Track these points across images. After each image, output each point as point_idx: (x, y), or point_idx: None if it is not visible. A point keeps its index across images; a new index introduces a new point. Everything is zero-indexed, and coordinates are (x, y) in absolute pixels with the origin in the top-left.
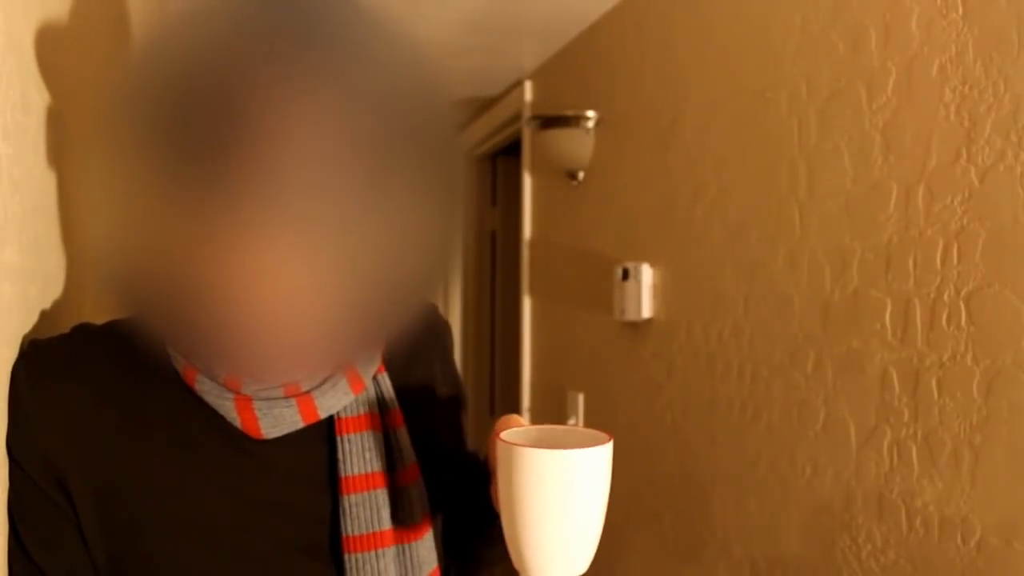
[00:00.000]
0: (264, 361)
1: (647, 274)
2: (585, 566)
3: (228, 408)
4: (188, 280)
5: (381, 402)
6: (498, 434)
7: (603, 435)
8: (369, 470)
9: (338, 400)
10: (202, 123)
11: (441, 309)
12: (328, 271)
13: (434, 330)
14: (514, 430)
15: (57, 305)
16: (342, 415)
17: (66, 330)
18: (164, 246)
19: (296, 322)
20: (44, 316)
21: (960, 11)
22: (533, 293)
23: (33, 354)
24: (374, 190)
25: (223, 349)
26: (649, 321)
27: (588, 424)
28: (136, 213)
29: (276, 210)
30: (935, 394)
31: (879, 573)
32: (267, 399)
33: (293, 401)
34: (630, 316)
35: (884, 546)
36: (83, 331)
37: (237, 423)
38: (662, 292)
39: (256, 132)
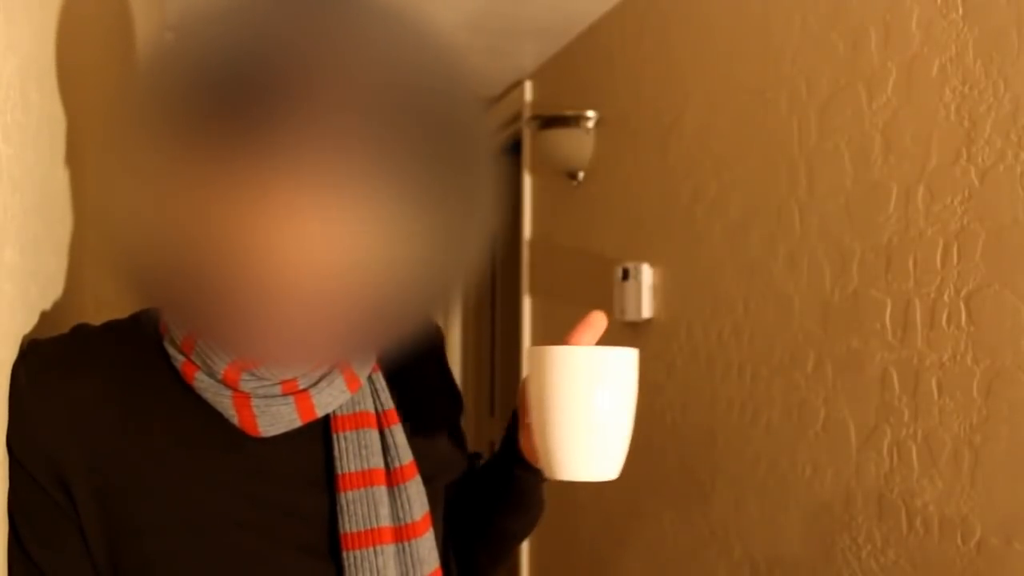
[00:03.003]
0: (281, 341)
1: (647, 274)
2: (612, 472)
3: (226, 405)
4: (211, 260)
5: (376, 401)
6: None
7: (630, 348)
8: (365, 467)
9: (335, 398)
10: (234, 103)
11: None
12: (353, 252)
13: (428, 334)
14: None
15: (57, 305)
16: (338, 413)
17: (66, 330)
18: (192, 227)
19: (317, 300)
20: (44, 316)
21: (960, 11)
22: (533, 293)
23: (33, 354)
24: (402, 173)
25: (241, 327)
26: (649, 321)
27: None
28: (156, 196)
29: (308, 188)
30: (935, 394)
31: (879, 573)
32: (265, 396)
33: (291, 399)
34: (630, 316)
35: (884, 546)
36: (82, 331)
37: (235, 420)
38: (662, 292)
39: (289, 111)
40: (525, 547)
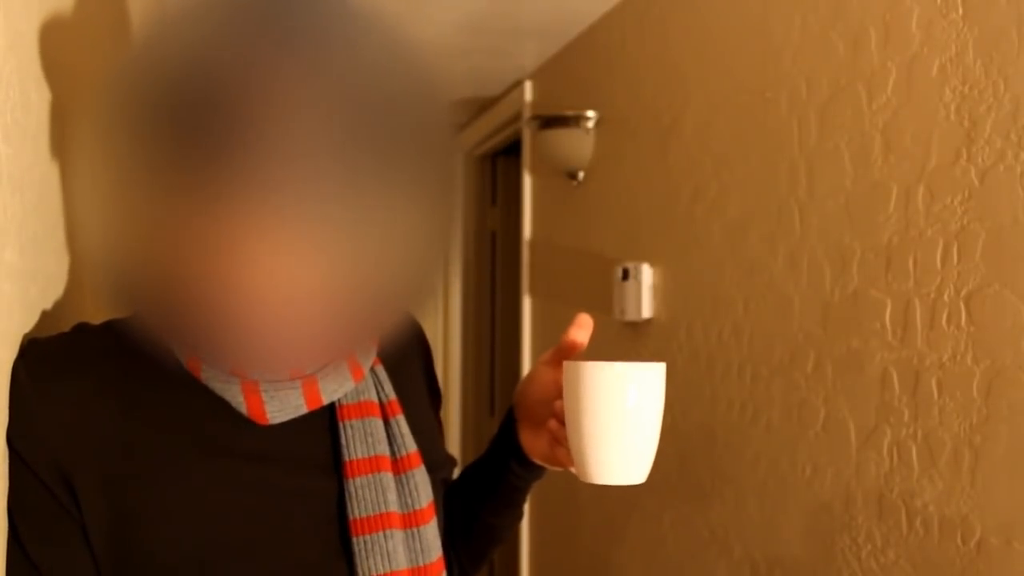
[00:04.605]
0: (263, 355)
1: (647, 274)
2: (640, 476)
3: (234, 392)
4: (186, 276)
5: (380, 391)
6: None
7: (659, 363)
8: (372, 453)
9: (340, 385)
10: (198, 118)
11: (441, 309)
12: (324, 265)
13: (417, 335)
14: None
15: (57, 305)
16: (343, 402)
17: (66, 330)
18: (161, 243)
19: (293, 316)
20: (44, 316)
21: (960, 11)
22: (533, 293)
23: (33, 352)
24: (368, 186)
25: (223, 344)
26: (649, 321)
27: None
28: (133, 211)
29: (273, 203)
30: (935, 394)
31: (879, 573)
32: (273, 381)
33: (298, 383)
34: (630, 316)
35: (884, 546)
36: (82, 329)
37: (243, 408)
38: (662, 292)
39: (252, 127)
40: (525, 547)
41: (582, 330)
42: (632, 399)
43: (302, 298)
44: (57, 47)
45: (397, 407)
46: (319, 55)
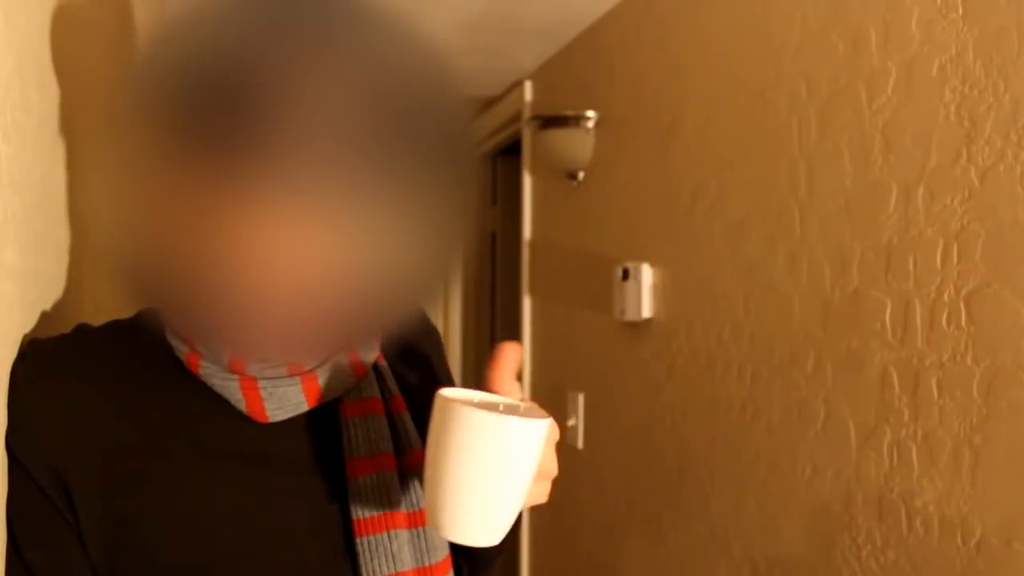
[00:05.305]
0: (268, 338)
1: (647, 274)
2: (495, 539)
3: (233, 389)
4: (197, 261)
5: (384, 388)
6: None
7: (544, 413)
8: (376, 452)
9: (341, 382)
10: (214, 107)
11: (441, 309)
12: (335, 254)
13: (427, 331)
14: (458, 390)
15: (57, 305)
16: (346, 399)
17: (66, 330)
18: (174, 230)
19: (299, 298)
20: (44, 316)
21: (960, 11)
22: (533, 293)
23: (32, 353)
24: (384, 179)
25: (230, 326)
26: (649, 321)
27: (589, 424)
28: (149, 199)
29: (286, 191)
30: (935, 394)
31: (879, 573)
32: (271, 378)
33: (297, 379)
34: (630, 316)
35: (884, 546)
36: (82, 330)
37: (242, 406)
38: (662, 292)
39: (271, 112)
40: (525, 547)
41: (503, 371)
42: (503, 457)
43: (310, 281)
44: (57, 47)
45: (402, 403)
46: (339, 43)
